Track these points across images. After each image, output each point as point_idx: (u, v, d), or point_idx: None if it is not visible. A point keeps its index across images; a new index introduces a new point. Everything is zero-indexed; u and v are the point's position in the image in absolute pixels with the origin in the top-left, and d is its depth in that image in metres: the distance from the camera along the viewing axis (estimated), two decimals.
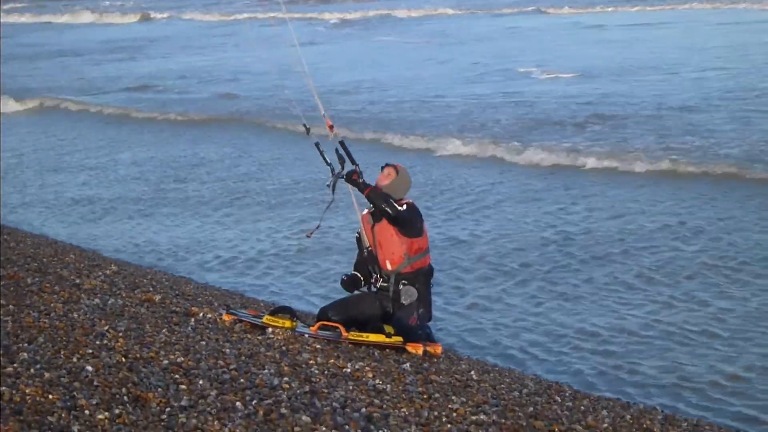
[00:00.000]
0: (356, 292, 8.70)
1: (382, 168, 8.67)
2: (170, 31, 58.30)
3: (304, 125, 8.81)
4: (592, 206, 14.71)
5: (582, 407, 7.20)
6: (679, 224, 13.25)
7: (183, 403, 6.01)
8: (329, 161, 8.60)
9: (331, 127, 8.65)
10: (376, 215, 8.48)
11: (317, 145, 8.66)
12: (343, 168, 8.56)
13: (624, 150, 18.39)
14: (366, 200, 8.43)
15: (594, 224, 13.57)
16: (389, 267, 8.47)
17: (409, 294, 8.41)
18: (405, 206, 8.38)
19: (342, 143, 8.61)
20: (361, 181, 8.43)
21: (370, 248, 8.58)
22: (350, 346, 8.10)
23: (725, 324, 9.66)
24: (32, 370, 6.20)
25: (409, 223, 8.37)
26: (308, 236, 9.24)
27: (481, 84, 28.74)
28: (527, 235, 13.18)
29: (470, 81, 29.55)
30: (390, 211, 8.30)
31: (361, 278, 8.69)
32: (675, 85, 25.39)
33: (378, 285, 8.58)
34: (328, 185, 8.67)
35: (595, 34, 41.24)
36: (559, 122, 21.81)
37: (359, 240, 8.73)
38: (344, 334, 8.20)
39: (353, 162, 8.55)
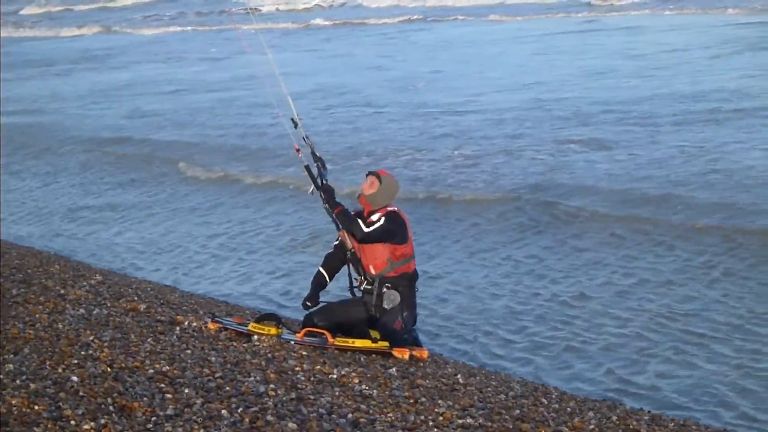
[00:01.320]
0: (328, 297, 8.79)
1: (367, 175, 8.67)
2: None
3: (292, 119, 8.75)
4: None
5: (568, 409, 7.21)
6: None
7: (169, 411, 6.01)
8: (316, 176, 8.63)
9: (298, 151, 8.68)
10: (363, 220, 8.51)
11: (307, 167, 8.66)
12: (321, 182, 8.59)
13: None
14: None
15: None
16: (373, 271, 8.49)
17: (391, 299, 8.42)
18: (382, 219, 8.39)
19: (308, 167, 8.63)
20: (331, 200, 8.51)
21: (353, 250, 8.60)
22: (336, 351, 8.11)
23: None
24: (18, 381, 6.19)
25: (385, 237, 8.40)
26: (311, 194, 8.96)
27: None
28: None
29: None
30: (356, 235, 8.37)
31: (327, 277, 8.78)
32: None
33: (362, 287, 8.60)
34: (311, 193, 8.69)
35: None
36: None
37: (341, 243, 8.72)
38: (330, 340, 8.20)
39: (322, 183, 8.60)
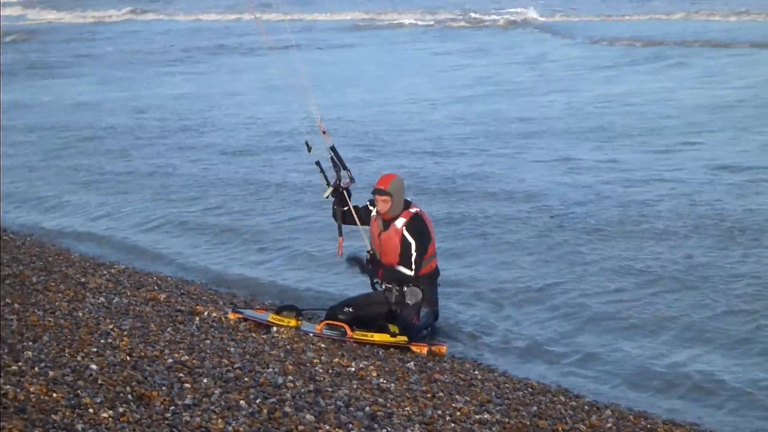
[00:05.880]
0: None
1: (374, 195, 8.63)
2: None
3: (306, 143, 8.77)
4: None
5: (585, 407, 7.18)
6: None
7: (187, 401, 6.03)
8: (328, 178, 8.72)
9: (324, 133, 8.62)
10: (387, 222, 8.54)
11: (318, 163, 8.73)
12: (339, 179, 8.64)
13: None
14: (370, 194, 8.69)
15: None
16: None
17: (413, 294, 8.48)
18: (404, 229, 8.50)
19: (333, 149, 8.60)
20: (368, 265, 8.67)
21: (373, 252, 8.65)
22: (354, 345, 8.11)
23: None
24: (37, 369, 6.23)
25: (422, 246, 8.52)
26: (339, 255, 9.05)
27: None
28: None
29: None
30: (410, 280, 8.53)
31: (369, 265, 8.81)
32: None
33: (384, 286, 8.64)
34: (327, 196, 8.74)
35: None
36: None
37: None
38: (349, 333, 8.20)
39: (344, 167, 8.62)
